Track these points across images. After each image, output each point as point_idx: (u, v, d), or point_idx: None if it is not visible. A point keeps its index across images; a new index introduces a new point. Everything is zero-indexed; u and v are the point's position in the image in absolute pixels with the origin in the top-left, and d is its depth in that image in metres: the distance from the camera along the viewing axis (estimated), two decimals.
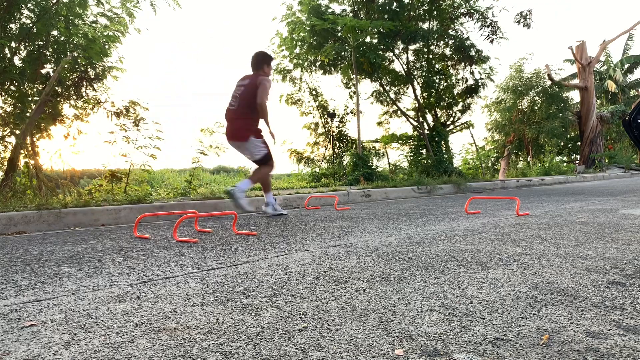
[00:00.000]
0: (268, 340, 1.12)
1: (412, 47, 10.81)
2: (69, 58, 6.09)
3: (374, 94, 11.60)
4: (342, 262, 2.06)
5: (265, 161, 4.40)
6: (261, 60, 4.53)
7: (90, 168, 7.86)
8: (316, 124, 11.97)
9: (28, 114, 5.98)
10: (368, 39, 9.85)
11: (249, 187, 4.19)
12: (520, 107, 17.60)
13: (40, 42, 6.22)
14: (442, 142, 10.96)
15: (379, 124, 12.61)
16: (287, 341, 1.11)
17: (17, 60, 6.23)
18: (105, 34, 6.56)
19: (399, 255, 2.17)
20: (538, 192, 7.30)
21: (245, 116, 4.30)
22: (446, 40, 10.74)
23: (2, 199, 4.59)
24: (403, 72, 10.87)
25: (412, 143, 11.55)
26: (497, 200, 5.59)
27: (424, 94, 11.12)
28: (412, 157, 11.24)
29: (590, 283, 1.59)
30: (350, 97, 11.37)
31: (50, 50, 6.33)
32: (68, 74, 6.43)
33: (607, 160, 18.09)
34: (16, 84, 6.10)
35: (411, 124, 11.25)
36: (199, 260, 2.17)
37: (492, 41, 10.38)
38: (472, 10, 10.35)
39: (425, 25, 10.58)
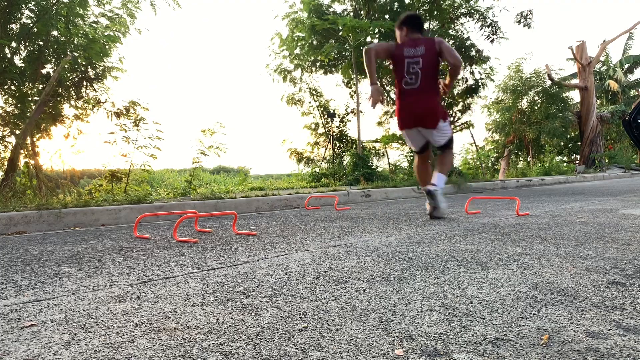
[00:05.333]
0: (268, 340, 1.12)
1: None
2: (69, 58, 6.10)
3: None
4: (342, 262, 2.06)
5: (452, 142, 3.78)
6: (422, 23, 3.72)
7: (90, 168, 7.88)
8: (316, 124, 11.98)
9: (28, 114, 5.98)
10: (369, 39, 9.86)
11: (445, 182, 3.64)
12: (520, 107, 17.60)
13: (40, 42, 6.23)
14: None
15: (379, 124, 12.62)
16: (287, 341, 1.11)
17: (17, 60, 6.24)
18: (105, 34, 6.57)
19: (399, 255, 2.17)
20: (538, 192, 7.30)
21: (431, 94, 3.51)
22: (446, 40, 10.75)
23: (2, 199, 4.59)
24: None
25: None
26: (497, 200, 5.59)
27: None
28: (412, 157, 11.24)
29: (590, 283, 1.59)
30: (351, 96, 11.38)
31: (51, 50, 6.34)
32: (68, 74, 6.44)
33: (607, 160, 18.08)
34: (16, 84, 6.11)
35: None
36: (199, 260, 2.17)
37: (492, 41, 10.38)
38: (472, 10, 10.35)
39: (426, 25, 10.58)
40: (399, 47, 3.51)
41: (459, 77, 3.94)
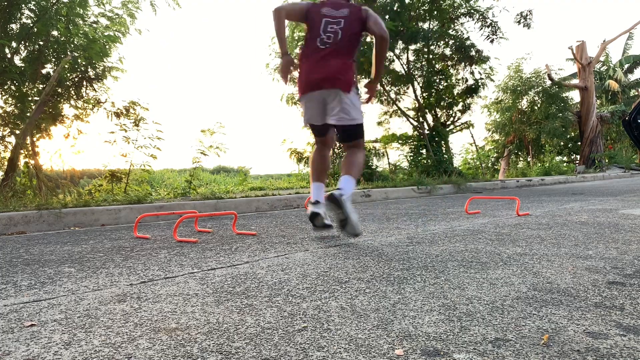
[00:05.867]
0: (268, 340, 1.12)
1: (412, 47, 10.81)
2: (69, 58, 6.10)
3: (375, 93, 11.60)
4: (342, 262, 2.06)
5: (363, 133, 2.94)
6: None
7: (90, 168, 7.88)
8: None
9: (28, 114, 5.98)
10: (368, 39, 9.85)
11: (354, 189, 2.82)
12: (520, 107, 17.61)
13: (40, 42, 6.23)
14: (442, 142, 10.96)
15: (379, 123, 12.61)
16: (287, 341, 1.11)
17: (17, 60, 6.24)
18: (105, 34, 6.57)
19: (399, 255, 2.17)
20: (538, 192, 7.29)
21: (346, 57, 2.87)
22: (446, 40, 10.74)
23: (2, 199, 4.59)
24: (403, 72, 10.87)
25: (412, 143, 11.55)
26: (497, 200, 5.59)
27: (424, 94, 11.12)
28: (412, 157, 11.24)
29: (590, 283, 1.59)
30: None
31: (51, 50, 6.34)
32: (68, 74, 6.43)
33: (607, 160, 18.09)
34: (16, 84, 6.11)
35: (411, 124, 11.25)
36: (199, 260, 2.17)
37: (492, 41, 10.37)
38: (472, 10, 10.34)
39: (426, 25, 10.58)
40: (316, 6, 2.99)
41: (387, 57, 2.83)
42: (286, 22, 2.98)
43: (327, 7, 2.96)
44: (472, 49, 10.62)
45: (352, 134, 2.84)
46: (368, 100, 3.10)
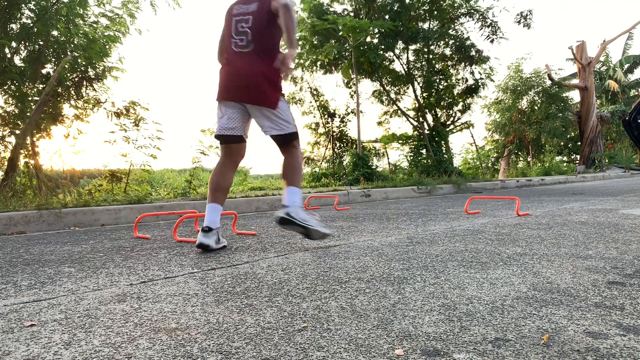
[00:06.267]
0: (268, 340, 1.12)
1: (412, 47, 10.82)
2: (69, 58, 6.10)
3: (375, 93, 11.62)
4: (342, 262, 2.06)
5: (296, 136, 2.68)
6: None
7: (90, 168, 7.88)
8: (317, 124, 11.97)
9: (28, 114, 5.98)
10: (368, 39, 9.85)
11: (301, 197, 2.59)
12: (520, 107, 17.60)
13: (40, 42, 6.23)
14: (442, 142, 10.97)
15: (379, 123, 12.62)
16: (287, 341, 1.11)
17: (17, 60, 6.24)
18: (105, 34, 6.57)
19: (399, 255, 2.17)
20: (538, 192, 7.29)
21: (267, 62, 2.56)
22: (446, 40, 10.75)
23: (2, 199, 4.59)
24: (403, 72, 10.88)
25: (412, 143, 11.56)
26: (497, 200, 5.59)
27: (424, 94, 11.13)
28: (412, 157, 11.25)
29: (590, 283, 1.59)
30: (351, 96, 11.37)
31: (51, 50, 6.33)
32: (68, 74, 6.43)
33: (607, 160, 18.09)
34: (16, 84, 6.11)
35: (411, 124, 11.25)
36: (199, 260, 2.17)
37: (492, 41, 10.38)
38: (472, 10, 10.35)
39: (426, 25, 10.58)
40: (230, 7, 2.78)
41: (294, 30, 2.43)
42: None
43: (238, 4, 2.70)
44: (472, 49, 10.63)
45: (287, 139, 2.64)
46: (283, 77, 2.67)
